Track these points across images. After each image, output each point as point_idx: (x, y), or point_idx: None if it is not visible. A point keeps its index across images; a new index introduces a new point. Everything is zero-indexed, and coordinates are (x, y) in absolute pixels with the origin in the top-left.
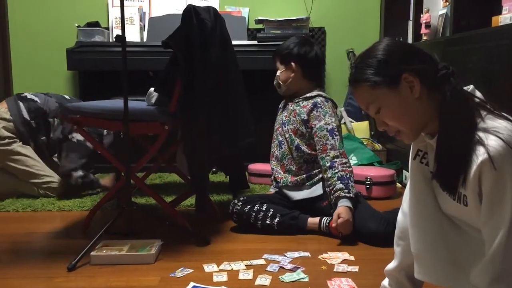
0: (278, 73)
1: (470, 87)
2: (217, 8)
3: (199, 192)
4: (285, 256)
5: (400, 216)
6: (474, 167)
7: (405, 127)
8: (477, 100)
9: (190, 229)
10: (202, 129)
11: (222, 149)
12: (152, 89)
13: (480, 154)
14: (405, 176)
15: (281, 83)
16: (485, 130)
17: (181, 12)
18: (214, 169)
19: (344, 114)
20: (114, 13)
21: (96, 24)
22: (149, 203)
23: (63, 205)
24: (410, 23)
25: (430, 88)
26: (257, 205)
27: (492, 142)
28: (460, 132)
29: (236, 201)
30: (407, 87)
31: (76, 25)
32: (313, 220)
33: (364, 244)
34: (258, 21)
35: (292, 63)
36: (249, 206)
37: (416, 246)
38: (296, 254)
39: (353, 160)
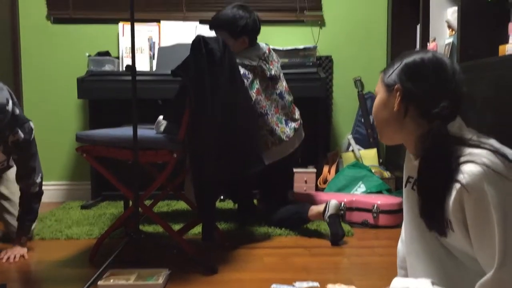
0: None
1: (456, 123)
2: None
3: (205, 221)
4: (293, 286)
5: (399, 245)
6: (453, 194)
7: (377, 125)
8: (458, 138)
9: (197, 258)
10: (210, 157)
11: (230, 177)
12: (161, 117)
13: (457, 184)
14: None
15: None
16: (462, 163)
17: (190, 42)
18: (222, 197)
19: (352, 141)
20: (124, 42)
21: (106, 53)
22: (156, 231)
23: (71, 233)
24: None
25: (418, 114)
26: None
27: (466, 168)
28: (436, 179)
29: None
30: (393, 98)
31: (87, 54)
32: (317, 208)
33: (374, 275)
34: None
35: None
36: None
37: (413, 274)
38: (305, 284)
39: (362, 188)
